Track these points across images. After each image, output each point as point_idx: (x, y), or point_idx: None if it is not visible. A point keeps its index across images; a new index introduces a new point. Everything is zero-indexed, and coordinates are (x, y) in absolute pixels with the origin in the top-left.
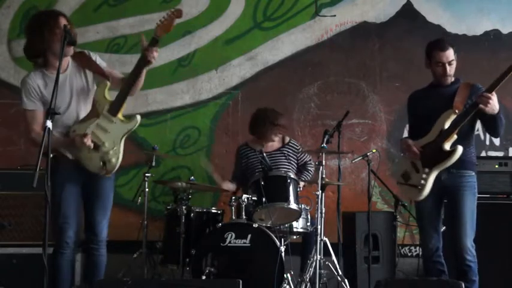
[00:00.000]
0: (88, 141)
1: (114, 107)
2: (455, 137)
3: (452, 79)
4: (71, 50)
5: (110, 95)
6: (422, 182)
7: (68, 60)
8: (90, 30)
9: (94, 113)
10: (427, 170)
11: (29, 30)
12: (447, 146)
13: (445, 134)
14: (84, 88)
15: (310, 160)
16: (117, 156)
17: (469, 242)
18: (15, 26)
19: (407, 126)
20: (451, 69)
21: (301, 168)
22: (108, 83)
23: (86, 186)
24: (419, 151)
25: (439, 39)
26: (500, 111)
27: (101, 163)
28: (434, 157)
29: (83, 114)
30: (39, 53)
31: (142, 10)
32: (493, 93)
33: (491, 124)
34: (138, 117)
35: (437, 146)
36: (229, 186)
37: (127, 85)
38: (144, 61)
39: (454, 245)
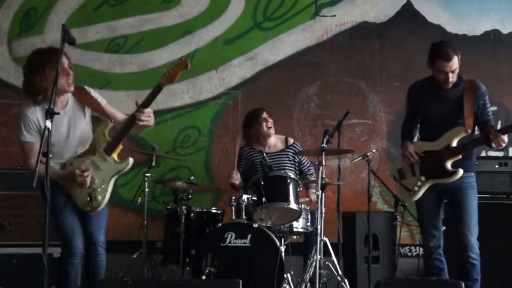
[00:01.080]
0: (88, 178)
1: (110, 147)
2: (459, 157)
3: (454, 79)
4: (71, 87)
5: (110, 135)
6: (416, 188)
7: (67, 97)
8: (90, 30)
9: (92, 150)
10: (423, 178)
11: (29, 68)
12: (449, 165)
13: (451, 152)
14: (83, 123)
15: (310, 165)
16: (103, 194)
17: (474, 240)
18: (15, 26)
19: None
20: (453, 77)
21: (302, 172)
22: (111, 124)
23: None
24: (421, 157)
25: (444, 46)
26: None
27: (88, 199)
28: (434, 170)
29: (80, 149)
30: (41, 92)
31: (142, 10)
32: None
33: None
34: (131, 160)
35: (440, 161)
36: (237, 181)
37: (123, 130)
38: (133, 121)
39: (460, 243)
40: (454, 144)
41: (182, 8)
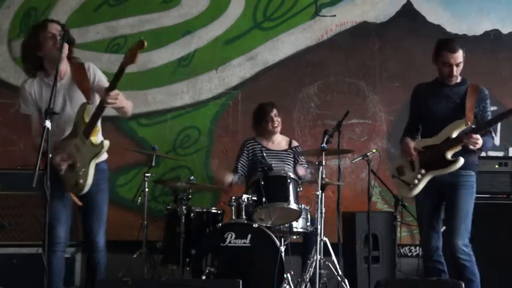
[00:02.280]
0: (64, 165)
1: (87, 130)
2: (459, 148)
3: (459, 79)
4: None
5: (88, 116)
6: (416, 181)
7: (65, 68)
8: (90, 30)
9: (74, 133)
10: (423, 171)
11: (24, 43)
12: (449, 155)
13: (450, 143)
14: (80, 98)
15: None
16: (85, 178)
17: (461, 242)
18: (15, 26)
19: None
20: (457, 71)
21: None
22: (88, 106)
23: (81, 198)
24: (421, 151)
25: (450, 39)
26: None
27: (74, 182)
28: (434, 161)
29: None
30: (34, 61)
31: (142, 10)
32: (478, 135)
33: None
34: (106, 142)
35: (440, 152)
36: (229, 178)
37: (95, 113)
38: (102, 104)
39: (448, 245)
40: (454, 136)
41: (182, 8)
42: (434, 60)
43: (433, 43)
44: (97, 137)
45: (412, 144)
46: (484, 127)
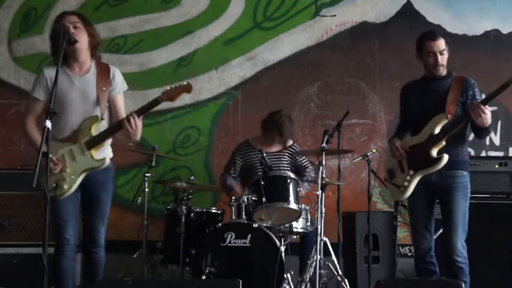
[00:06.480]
0: (57, 170)
1: (92, 142)
2: (443, 143)
3: (445, 72)
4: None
5: (96, 130)
6: (406, 183)
7: (90, 63)
8: None
9: (73, 138)
10: (411, 172)
11: (51, 33)
12: (434, 153)
13: (433, 140)
14: (94, 96)
15: (309, 165)
16: (70, 185)
17: (459, 243)
18: (15, 26)
19: None
20: (442, 59)
21: (300, 171)
22: (100, 120)
23: (84, 190)
24: (407, 151)
25: (429, 30)
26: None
27: (54, 185)
28: (420, 161)
29: (80, 119)
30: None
31: (142, 10)
32: (487, 106)
33: (481, 134)
34: (107, 160)
35: (425, 151)
36: (239, 188)
37: (107, 131)
38: (118, 125)
39: (446, 246)
40: (437, 131)
41: (182, 8)
42: (418, 56)
43: None
44: (97, 152)
45: (398, 142)
46: (490, 98)
